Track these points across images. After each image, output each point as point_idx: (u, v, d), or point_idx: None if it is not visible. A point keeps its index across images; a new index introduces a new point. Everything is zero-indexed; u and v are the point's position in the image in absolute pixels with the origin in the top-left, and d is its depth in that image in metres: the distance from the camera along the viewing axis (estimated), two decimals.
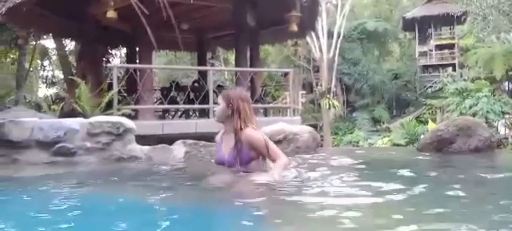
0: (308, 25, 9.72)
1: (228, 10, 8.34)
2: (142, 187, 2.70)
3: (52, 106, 7.45)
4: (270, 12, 8.57)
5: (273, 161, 2.68)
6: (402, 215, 1.74)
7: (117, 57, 16.38)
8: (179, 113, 9.90)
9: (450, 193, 2.16)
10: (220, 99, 2.78)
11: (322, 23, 22.91)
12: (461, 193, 2.14)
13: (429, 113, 22.10)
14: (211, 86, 7.47)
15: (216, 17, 9.41)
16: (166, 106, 8.23)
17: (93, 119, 3.72)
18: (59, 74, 23.06)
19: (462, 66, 24.60)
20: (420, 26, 27.40)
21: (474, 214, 1.76)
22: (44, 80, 23.80)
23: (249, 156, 2.67)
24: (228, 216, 1.95)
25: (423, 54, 27.99)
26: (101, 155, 3.57)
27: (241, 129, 2.66)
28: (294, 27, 8.22)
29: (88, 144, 3.58)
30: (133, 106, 6.80)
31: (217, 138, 2.91)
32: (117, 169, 3.42)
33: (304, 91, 24.47)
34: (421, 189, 2.24)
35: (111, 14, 6.28)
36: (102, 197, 2.41)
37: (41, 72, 23.78)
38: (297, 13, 8.11)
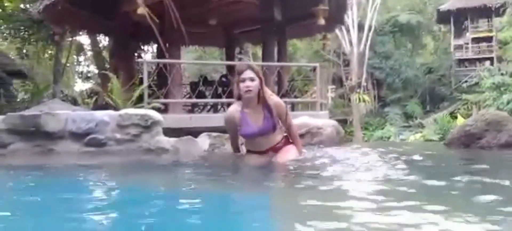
0: (336, 18, 9.61)
1: (256, 5, 8.38)
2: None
3: (86, 100, 7.74)
4: (297, 6, 8.55)
5: (288, 126, 3.01)
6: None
7: (148, 53, 16.79)
8: (208, 107, 10.08)
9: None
10: (251, 74, 2.83)
11: (352, 16, 22.57)
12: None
13: (464, 108, 21.38)
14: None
15: (244, 12, 9.47)
16: (194, 100, 8.40)
17: (123, 111, 3.88)
18: (94, 69, 23.93)
19: (500, 60, 23.59)
20: (456, 19, 26.45)
21: None
22: (80, 75, 24.76)
23: (276, 121, 2.92)
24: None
25: (458, 47, 27.03)
26: (130, 146, 3.72)
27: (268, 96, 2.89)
28: (322, 21, 8.16)
29: (118, 135, 3.73)
30: (163, 100, 6.98)
31: (236, 115, 2.96)
32: (148, 160, 3.56)
33: (333, 86, 24.18)
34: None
35: (141, 10, 6.46)
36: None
37: (77, 68, 24.75)
38: (324, 6, 8.04)
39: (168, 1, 6.96)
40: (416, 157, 3.29)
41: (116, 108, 6.04)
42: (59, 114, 3.83)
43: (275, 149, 3.02)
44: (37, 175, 2.93)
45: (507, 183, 2.06)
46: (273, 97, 2.93)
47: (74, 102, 12.41)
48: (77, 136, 3.77)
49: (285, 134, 3.10)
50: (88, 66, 24.66)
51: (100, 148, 3.73)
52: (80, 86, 24.63)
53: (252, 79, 2.83)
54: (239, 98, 2.93)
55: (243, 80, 2.83)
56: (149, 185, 2.47)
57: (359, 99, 22.32)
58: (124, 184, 2.58)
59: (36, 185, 2.56)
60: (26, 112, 3.97)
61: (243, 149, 3.25)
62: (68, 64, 19.04)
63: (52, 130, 3.76)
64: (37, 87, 14.08)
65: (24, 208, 1.86)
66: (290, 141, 3.11)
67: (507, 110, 13.88)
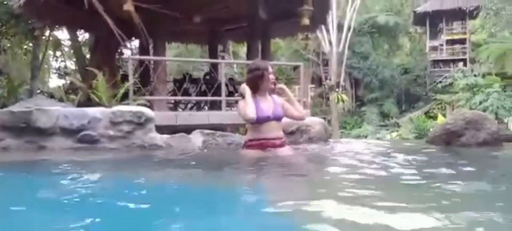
0: (319, 19, 9.79)
1: (241, 3, 8.45)
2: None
3: (71, 96, 7.63)
4: (282, 5, 8.66)
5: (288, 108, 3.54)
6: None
7: (128, 49, 16.59)
8: (190, 105, 10.09)
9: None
10: (271, 69, 3.38)
11: (332, 16, 22.88)
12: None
13: (438, 108, 22.05)
14: (223, 79, 7.62)
15: (229, 10, 9.53)
16: (180, 97, 8.41)
17: (115, 108, 3.90)
18: (70, 65, 23.38)
19: (473, 61, 24.42)
20: (431, 21, 27.21)
21: None
22: (56, 71, 24.14)
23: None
24: None
25: (433, 49, 27.82)
26: (123, 143, 3.75)
27: None
28: (306, 21, 8.29)
29: (111, 132, 3.75)
30: (148, 97, 6.97)
31: (250, 97, 3.28)
32: (144, 156, 3.59)
33: (313, 85, 24.50)
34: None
35: (128, 6, 6.43)
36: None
37: (54, 63, 24.13)
38: (309, 7, 8.18)
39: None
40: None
41: (100, 104, 6.01)
42: (50, 111, 3.82)
43: (277, 144, 3.29)
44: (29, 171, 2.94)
45: None
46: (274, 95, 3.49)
47: (51, 98, 12.14)
48: (69, 133, 3.78)
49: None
50: (64, 61, 24.11)
51: (92, 145, 3.75)
52: (56, 82, 24.06)
53: (270, 73, 3.36)
54: (254, 89, 3.33)
55: (270, 74, 3.35)
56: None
57: (338, 98, 22.70)
58: (117, 178, 2.62)
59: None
60: (16, 108, 3.94)
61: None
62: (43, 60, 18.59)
63: (44, 126, 3.75)
64: (12, 84, 13.70)
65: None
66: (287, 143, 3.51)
67: (480, 110, 14.42)
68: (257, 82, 3.32)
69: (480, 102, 14.68)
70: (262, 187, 2.32)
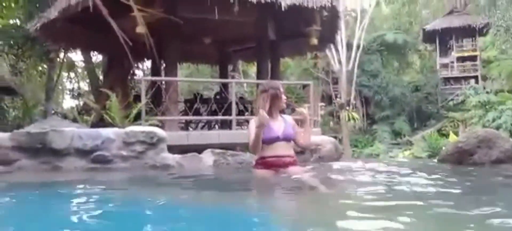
0: (328, 38, 9.89)
1: (250, 24, 8.59)
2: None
3: (84, 117, 7.77)
4: (291, 26, 8.78)
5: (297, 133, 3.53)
6: None
7: (140, 70, 16.87)
8: (201, 124, 10.17)
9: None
10: (282, 89, 3.44)
11: (341, 35, 23.01)
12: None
13: (451, 126, 21.80)
14: (233, 98, 7.69)
15: (238, 31, 9.68)
16: (191, 117, 8.49)
17: (128, 129, 3.97)
18: (84, 86, 23.80)
19: (485, 78, 24.23)
20: (441, 38, 27.15)
21: None
22: (69, 92, 24.58)
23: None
24: None
25: (444, 66, 27.67)
26: (136, 163, 3.80)
27: None
28: (315, 41, 8.39)
29: (124, 152, 3.82)
30: (160, 118, 7.06)
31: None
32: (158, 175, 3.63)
33: (323, 104, 24.48)
34: None
35: (140, 29, 6.56)
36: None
37: (67, 84, 24.60)
38: (317, 27, 8.28)
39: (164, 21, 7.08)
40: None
41: (113, 125, 6.11)
42: (65, 131, 3.90)
43: (288, 163, 3.32)
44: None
45: None
46: (285, 115, 3.53)
47: (65, 119, 12.33)
48: (83, 153, 3.85)
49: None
50: (78, 82, 24.57)
51: (106, 165, 3.81)
52: (69, 103, 24.47)
53: (282, 93, 3.43)
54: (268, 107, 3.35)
55: (281, 97, 3.40)
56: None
57: (348, 117, 22.61)
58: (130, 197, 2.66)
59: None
60: (32, 129, 4.03)
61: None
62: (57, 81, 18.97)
63: (59, 146, 3.83)
64: (27, 105, 13.99)
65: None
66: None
67: (493, 128, 14.24)
68: (271, 104, 3.33)
69: (493, 120, 14.51)
70: (272, 206, 2.34)
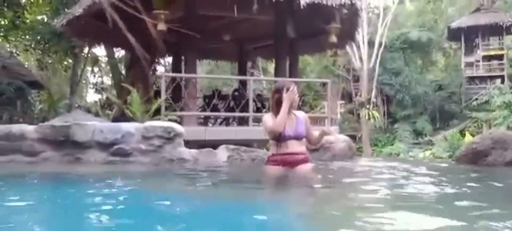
0: (347, 36, 9.84)
1: (269, 22, 8.65)
2: None
3: (107, 111, 8.01)
4: (310, 23, 8.79)
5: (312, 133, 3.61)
6: None
7: (161, 66, 17.17)
8: (220, 120, 10.32)
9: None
10: (296, 90, 3.45)
11: (362, 33, 22.77)
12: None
13: (474, 126, 21.30)
14: (251, 95, 7.78)
15: (257, 28, 9.76)
16: (209, 113, 8.63)
17: (148, 124, 4.12)
18: (107, 80, 24.39)
19: (511, 78, 23.54)
20: (467, 36, 26.49)
21: None
22: (93, 86, 25.23)
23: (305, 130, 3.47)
24: None
25: (469, 65, 26.99)
26: (154, 157, 3.95)
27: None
28: (334, 39, 8.38)
29: (143, 146, 3.96)
30: (179, 113, 7.22)
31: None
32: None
33: (343, 101, 24.30)
34: None
35: (161, 26, 6.74)
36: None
37: (91, 79, 25.25)
38: (336, 24, 8.26)
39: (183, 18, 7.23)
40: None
41: (134, 119, 6.30)
42: (87, 125, 4.08)
43: (300, 161, 3.38)
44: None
45: None
46: (298, 111, 3.57)
47: (88, 113, 12.73)
48: (104, 146, 4.02)
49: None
50: (101, 77, 25.17)
51: (125, 158, 3.97)
52: (92, 97, 25.13)
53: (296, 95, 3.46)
54: (278, 108, 3.40)
55: (295, 94, 3.42)
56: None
57: (369, 115, 22.38)
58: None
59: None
60: (56, 123, 4.23)
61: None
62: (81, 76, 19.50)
63: (81, 139, 4.01)
64: (52, 98, 14.46)
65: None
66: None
67: None
68: (280, 103, 3.39)
69: None
70: (281, 201, 2.42)
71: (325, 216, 2.00)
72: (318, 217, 1.96)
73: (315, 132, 3.58)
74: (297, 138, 3.40)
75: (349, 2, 7.89)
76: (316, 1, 7.48)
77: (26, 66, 17.26)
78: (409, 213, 1.94)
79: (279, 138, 3.32)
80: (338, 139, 4.37)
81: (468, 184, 2.98)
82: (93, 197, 2.46)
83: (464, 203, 2.23)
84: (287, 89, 3.36)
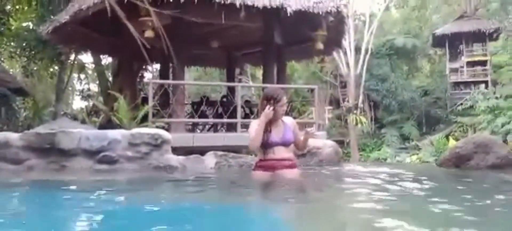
0: (334, 43, 9.96)
1: (257, 29, 8.70)
2: None
3: (93, 119, 7.95)
4: (297, 31, 8.87)
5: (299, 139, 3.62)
6: None
7: (148, 72, 17.09)
8: (208, 127, 10.31)
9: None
10: (285, 100, 3.51)
11: (349, 39, 23.03)
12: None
13: (460, 131, 21.63)
14: (239, 102, 7.80)
15: (245, 35, 9.80)
16: (197, 120, 8.61)
17: (134, 131, 4.10)
18: (93, 87, 24.15)
19: (495, 83, 23.97)
20: (451, 43, 26.96)
21: None
22: (78, 93, 24.96)
23: (293, 136, 3.49)
24: None
25: (454, 70, 27.45)
26: (141, 163, 3.93)
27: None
28: (320, 45, 8.48)
29: (129, 153, 3.95)
30: (167, 120, 7.19)
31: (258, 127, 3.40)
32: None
33: (330, 107, 24.49)
34: None
35: (149, 33, 6.73)
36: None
37: (77, 86, 24.98)
38: (323, 32, 8.36)
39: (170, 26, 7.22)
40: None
41: (121, 126, 6.26)
42: (73, 133, 4.05)
43: (286, 166, 3.41)
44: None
45: None
46: (287, 117, 3.60)
47: (74, 120, 12.60)
48: (90, 153, 3.99)
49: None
50: (88, 84, 24.93)
51: (111, 165, 3.94)
52: (79, 104, 24.87)
53: (283, 101, 3.48)
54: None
55: (283, 105, 3.46)
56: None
57: (356, 120, 22.59)
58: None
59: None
60: (42, 130, 4.19)
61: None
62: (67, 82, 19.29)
63: (66, 147, 3.98)
64: (37, 105, 14.27)
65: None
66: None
67: (502, 133, 14.13)
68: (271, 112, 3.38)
69: (503, 125, 14.37)
70: (266, 206, 2.44)
71: (308, 218, 2.03)
72: (301, 220, 1.98)
73: (301, 137, 3.61)
74: (284, 144, 3.42)
75: (335, 10, 7.99)
76: (303, 9, 7.56)
77: (11, 73, 16.99)
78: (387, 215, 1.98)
79: (266, 144, 3.35)
80: (325, 144, 4.42)
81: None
82: (77, 205, 2.45)
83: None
84: (275, 99, 3.38)
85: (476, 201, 2.49)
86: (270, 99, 3.38)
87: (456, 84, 27.13)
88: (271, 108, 3.31)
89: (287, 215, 2.20)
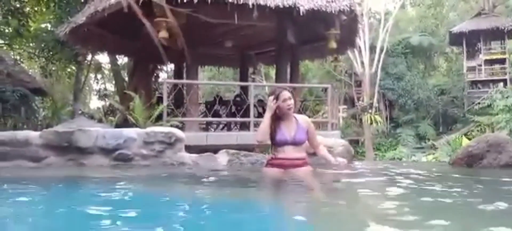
0: (347, 42, 9.93)
1: (270, 28, 8.75)
2: None
3: (110, 118, 8.12)
4: (310, 30, 8.89)
5: (314, 138, 3.68)
6: None
7: (163, 72, 17.32)
8: (221, 126, 10.41)
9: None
10: (290, 95, 3.48)
11: (364, 38, 22.89)
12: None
13: (477, 130, 21.27)
14: (252, 101, 7.86)
15: (258, 35, 9.86)
16: (210, 119, 8.71)
17: (149, 129, 4.21)
18: (110, 87, 24.57)
19: None
20: (468, 41, 26.52)
21: None
22: (95, 93, 25.43)
23: (306, 136, 3.52)
24: None
25: (471, 69, 27.00)
26: (155, 161, 4.02)
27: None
28: (333, 44, 8.47)
29: (144, 151, 4.04)
30: (181, 119, 7.31)
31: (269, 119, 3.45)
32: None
33: (345, 106, 24.36)
34: None
35: (163, 34, 6.85)
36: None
37: (94, 86, 25.46)
38: (336, 30, 8.35)
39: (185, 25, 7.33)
40: None
41: (136, 125, 6.40)
42: (90, 131, 4.16)
43: (297, 166, 3.44)
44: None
45: None
46: (300, 115, 3.65)
47: (91, 119, 12.86)
48: (106, 151, 4.10)
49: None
50: (104, 84, 25.38)
51: (127, 163, 4.05)
52: (96, 103, 25.34)
53: (290, 99, 3.46)
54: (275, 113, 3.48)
55: (285, 100, 3.42)
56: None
57: (371, 120, 22.42)
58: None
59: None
60: (60, 129, 4.32)
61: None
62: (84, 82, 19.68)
63: (84, 145, 4.10)
64: (55, 105, 14.60)
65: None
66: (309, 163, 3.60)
67: None
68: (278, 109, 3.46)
69: None
70: (277, 203, 2.49)
71: (319, 216, 2.07)
72: (313, 217, 2.03)
73: (320, 145, 3.66)
74: (295, 143, 3.43)
75: (348, 9, 7.99)
76: (316, 8, 7.58)
77: (30, 73, 17.43)
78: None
79: (276, 142, 3.40)
80: (336, 143, 4.44)
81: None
82: (99, 198, 2.55)
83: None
84: (277, 96, 3.42)
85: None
86: (271, 96, 3.48)
87: (474, 83, 26.67)
88: (274, 101, 3.39)
89: (295, 211, 2.25)
